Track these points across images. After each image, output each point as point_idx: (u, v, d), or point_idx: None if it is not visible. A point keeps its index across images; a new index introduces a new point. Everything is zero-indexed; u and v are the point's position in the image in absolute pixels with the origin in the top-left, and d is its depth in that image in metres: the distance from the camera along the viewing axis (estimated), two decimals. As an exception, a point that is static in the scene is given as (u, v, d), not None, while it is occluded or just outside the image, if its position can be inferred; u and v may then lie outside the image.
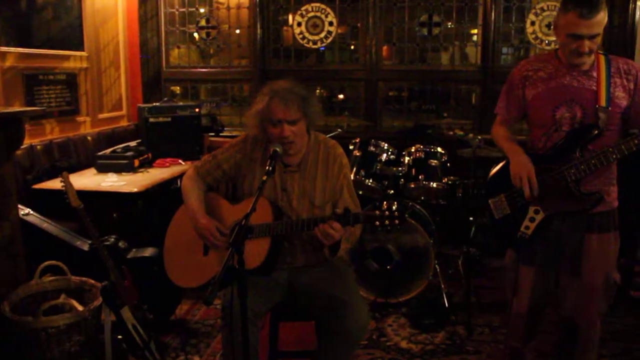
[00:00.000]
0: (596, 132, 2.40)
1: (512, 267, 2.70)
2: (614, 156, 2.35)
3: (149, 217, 3.84)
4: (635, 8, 4.78)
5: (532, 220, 2.54)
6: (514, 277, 2.68)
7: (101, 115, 4.86)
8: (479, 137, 3.99)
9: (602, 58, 2.45)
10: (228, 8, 5.48)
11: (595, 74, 2.44)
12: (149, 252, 3.36)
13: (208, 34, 5.53)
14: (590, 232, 2.51)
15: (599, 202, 2.43)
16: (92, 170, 4.12)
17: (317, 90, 5.53)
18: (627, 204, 4.05)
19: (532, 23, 5.08)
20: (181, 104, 4.81)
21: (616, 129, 2.46)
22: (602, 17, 2.30)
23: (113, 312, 2.76)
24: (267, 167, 2.34)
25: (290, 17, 5.42)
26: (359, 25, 5.31)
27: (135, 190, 3.61)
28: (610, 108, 2.40)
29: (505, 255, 2.78)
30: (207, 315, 3.78)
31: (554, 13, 4.98)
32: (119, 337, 2.83)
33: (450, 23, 5.25)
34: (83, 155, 4.37)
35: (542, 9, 5.03)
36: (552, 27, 2.50)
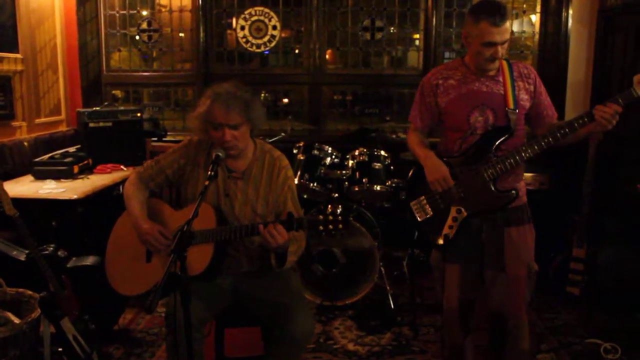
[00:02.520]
0: (510, 132, 2.55)
1: (438, 266, 2.80)
2: (527, 155, 2.51)
3: (90, 225, 3.74)
4: (567, 16, 4.97)
5: (455, 219, 2.64)
6: (441, 276, 2.77)
7: (38, 120, 4.71)
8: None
9: (504, 64, 2.62)
10: (170, 11, 5.40)
11: (501, 79, 2.60)
12: (90, 260, 3.27)
13: (150, 37, 5.44)
14: (509, 226, 2.65)
15: (515, 198, 2.58)
16: (29, 177, 3.98)
17: (262, 94, 5.52)
18: (568, 205, 4.23)
19: (472, 28, 5.20)
20: (122, 108, 4.71)
21: (523, 129, 2.65)
22: (509, 23, 2.49)
23: (52, 324, 2.69)
24: (209, 172, 2.33)
25: (234, 20, 5.39)
26: (302, 29, 5.33)
27: (75, 197, 3.51)
28: (517, 110, 2.57)
29: (431, 255, 2.88)
30: (152, 323, 3.71)
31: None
32: (59, 349, 2.75)
33: (392, 28, 5.33)
34: (19, 162, 4.22)
35: (481, 15, 5.15)
36: (462, 37, 2.62)
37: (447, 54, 5.38)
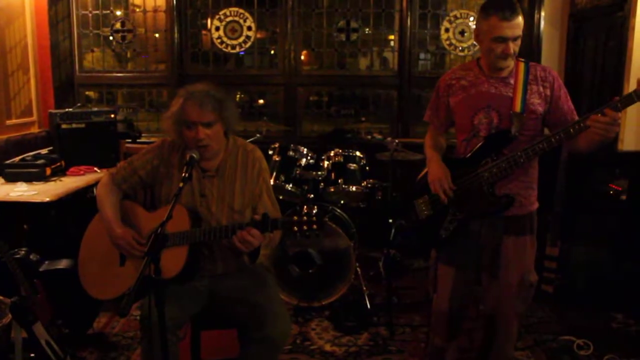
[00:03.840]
0: (509, 136, 2.49)
1: (433, 266, 2.80)
2: (522, 160, 2.44)
3: (63, 228, 3.70)
4: (540, 18, 5.04)
5: (451, 221, 2.63)
6: (435, 276, 2.78)
7: (9, 122, 4.63)
8: (397, 141, 4.08)
9: (521, 65, 2.55)
10: (144, 11, 5.36)
11: (512, 81, 2.53)
12: (63, 264, 3.23)
13: (124, 38, 5.39)
14: (507, 234, 2.60)
15: (510, 204, 2.52)
16: (0, 180, 3.92)
17: (237, 96, 5.50)
18: (542, 204, 4.28)
19: (447, 30, 5.25)
20: (96, 109, 4.64)
21: (532, 134, 2.54)
22: (521, 19, 2.42)
23: (24, 329, 2.64)
24: (183, 174, 2.31)
25: (209, 21, 5.36)
26: (277, 30, 5.33)
27: (48, 199, 3.46)
28: (524, 114, 2.49)
29: (430, 255, 2.87)
30: (127, 327, 3.67)
31: (467, 21, 5.19)
32: (32, 355, 2.70)
33: (367, 29, 5.35)
34: (-11, 164, 4.15)
35: (456, 17, 5.22)
36: (474, 35, 2.58)
37: (422, 55, 5.41)
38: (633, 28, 3.98)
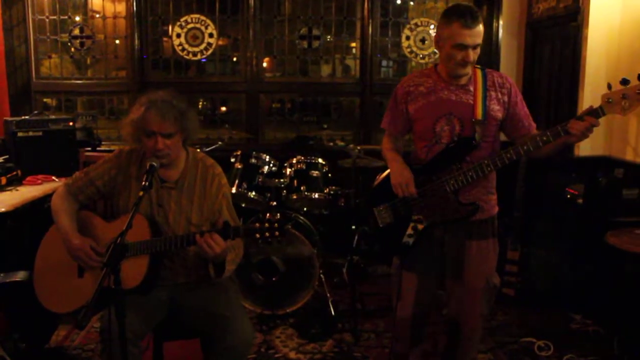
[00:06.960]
0: (473, 144, 2.51)
1: (397, 273, 2.79)
2: (489, 169, 2.47)
3: (20, 239, 3.61)
4: (498, 27, 5.15)
5: (414, 228, 2.63)
6: (398, 283, 2.77)
7: (-38, 130, 4.50)
8: (359, 148, 4.10)
9: (478, 72, 2.58)
10: (104, 17, 5.28)
11: (472, 88, 2.55)
12: (19, 276, 3.14)
13: (82, 44, 5.30)
14: (470, 239, 2.63)
15: (475, 212, 2.54)
16: (-47, 190, 3.80)
17: (200, 103, 5.45)
18: (502, 209, 4.35)
19: (407, 38, 5.31)
20: (53, 117, 4.55)
21: (492, 140, 2.59)
22: (482, 27, 2.45)
23: (-22, 344, 2.57)
24: (143, 182, 2.28)
25: (170, 27, 5.31)
26: (239, 37, 5.31)
27: (3, 210, 3.38)
28: (486, 120, 2.52)
29: (392, 262, 2.87)
30: (87, 339, 3.59)
31: (427, 29, 5.26)
32: (-14, 370, 2.63)
33: (329, 36, 5.38)
34: (-59, 174, 4.02)
35: (416, 25, 5.28)
36: (434, 42, 2.58)
37: (384, 63, 5.47)
38: (586, 38, 4.09)
